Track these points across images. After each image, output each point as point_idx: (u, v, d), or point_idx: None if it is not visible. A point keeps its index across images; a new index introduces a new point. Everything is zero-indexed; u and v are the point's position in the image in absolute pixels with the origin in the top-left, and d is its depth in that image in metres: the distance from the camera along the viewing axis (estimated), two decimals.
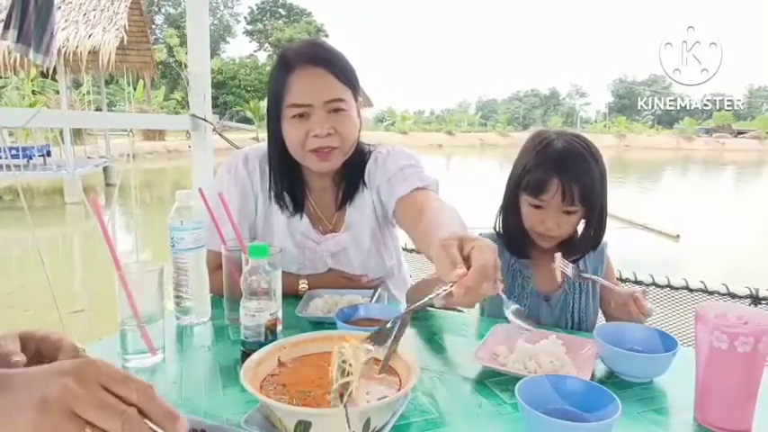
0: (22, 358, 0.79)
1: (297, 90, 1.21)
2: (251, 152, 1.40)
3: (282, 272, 1.16)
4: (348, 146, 1.28)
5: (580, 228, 1.32)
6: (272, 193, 1.36)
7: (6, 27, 3.20)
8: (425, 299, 0.81)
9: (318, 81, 1.21)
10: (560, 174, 1.20)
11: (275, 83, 1.25)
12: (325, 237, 1.37)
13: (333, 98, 1.22)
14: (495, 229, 1.39)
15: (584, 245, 1.32)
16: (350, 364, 0.68)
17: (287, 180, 1.35)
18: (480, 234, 1.42)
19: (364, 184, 1.38)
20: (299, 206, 1.37)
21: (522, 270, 1.34)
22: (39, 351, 0.83)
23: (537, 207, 1.25)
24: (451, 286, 0.76)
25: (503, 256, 1.37)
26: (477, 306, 1.44)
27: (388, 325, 0.79)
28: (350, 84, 1.25)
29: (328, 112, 1.22)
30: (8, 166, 6.56)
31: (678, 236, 7.13)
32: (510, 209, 1.31)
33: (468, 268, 0.75)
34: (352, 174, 1.37)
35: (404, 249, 2.08)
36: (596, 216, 1.27)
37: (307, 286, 1.34)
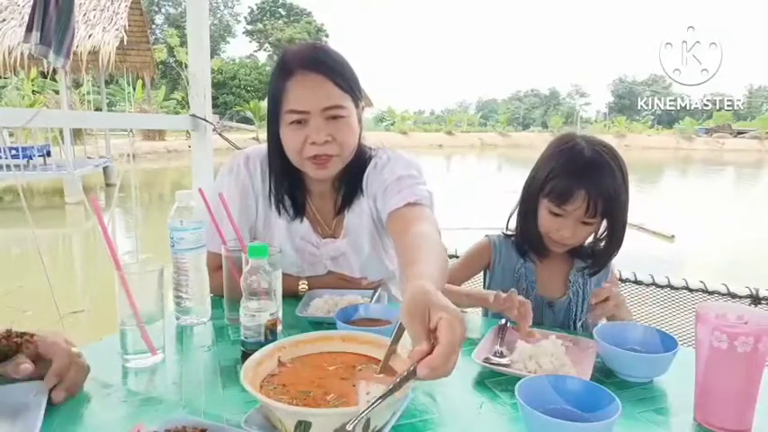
0: (31, 365, 0.80)
1: (295, 96, 1.19)
2: (252, 153, 1.39)
3: (282, 273, 1.16)
4: (347, 153, 1.26)
5: (591, 238, 1.31)
6: (272, 198, 1.35)
7: (29, 29, 3.18)
8: (386, 390, 0.67)
9: (317, 87, 1.19)
10: (587, 186, 1.18)
11: (274, 87, 1.23)
12: (324, 241, 1.37)
13: (331, 105, 1.19)
14: (504, 230, 1.38)
15: (604, 259, 1.31)
16: None
17: (287, 183, 1.34)
18: (487, 236, 1.42)
19: (361, 191, 1.36)
20: (299, 210, 1.36)
21: (527, 275, 1.34)
22: (38, 352, 0.83)
23: (556, 215, 1.23)
24: (413, 366, 0.67)
25: (510, 258, 1.37)
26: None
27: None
28: (350, 90, 1.23)
29: (326, 119, 1.20)
30: (8, 166, 6.57)
31: (673, 236, 7.15)
32: (528, 211, 1.30)
33: (434, 341, 0.68)
34: (351, 179, 1.35)
35: None
36: (618, 231, 1.26)
37: (306, 287, 1.34)
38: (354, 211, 1.37)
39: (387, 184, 1.28)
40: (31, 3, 3.15)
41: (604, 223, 1.28)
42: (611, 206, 1.20)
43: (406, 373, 0.68)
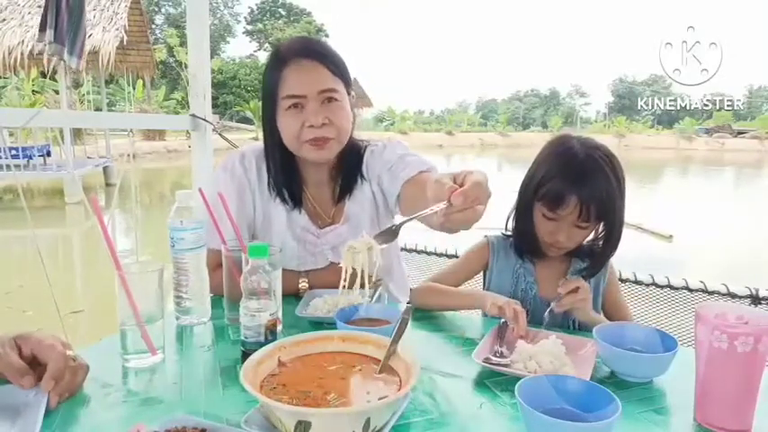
0: (33, 376, 0.80)
1: (291, 82, 1.25)
2: (247, 150, 1.42)
3: (282, 270, 1.17)
4: (343, 136, 1.30)
5: (591, 236, 1.31)
6: (272, 189, 1.38)
7: (43, 29, 3.20)
8: (423, 211, 0.83)
9: (311, 72, 1.25)
10: (579, 191, 1.17)
11: (269, 78, 1.28)
12: (324, 230, 1.39)
13: (326, 88, 1.25)
14: (504, 230, 1.38)
15: (601, 260, 1.30)
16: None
17: (284, 175, 1.37)
18: (486, 236, 1.42)
19: (363, 176, 1.40)
20: (297, 201, 1.38)
21: (526, 275, 1.34)
22: (34, 354, 0.83)
23: (550, 219, 1.23)
24: (448, 203, 0.80)
25: (509, 258, 1.37)
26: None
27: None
28: (342, 76, 1.29)
29: (322, 102, 1.25)
30: (8, 166, 6.57)
31: (671, 236, 7.12)
32: (523, 213, 1.30)
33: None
34: (349, 167, 1.39)
35: (403, 249, 2.08)
36: (614, 232, 1.25)
37: (307, 285, 1.34)
38: (355, 198, 1.40)
39: (392, 163, 1.33)
40: (44, 2, 3.16)
41: (602, 224, 1.27)
42: (604, 210, 1.19)
43: (439, 206, 0.80)
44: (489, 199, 0.83)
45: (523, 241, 1.32)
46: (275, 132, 1.31)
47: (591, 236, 1.30)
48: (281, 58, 1.27)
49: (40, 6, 10.02)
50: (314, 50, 1.27)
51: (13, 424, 0.74)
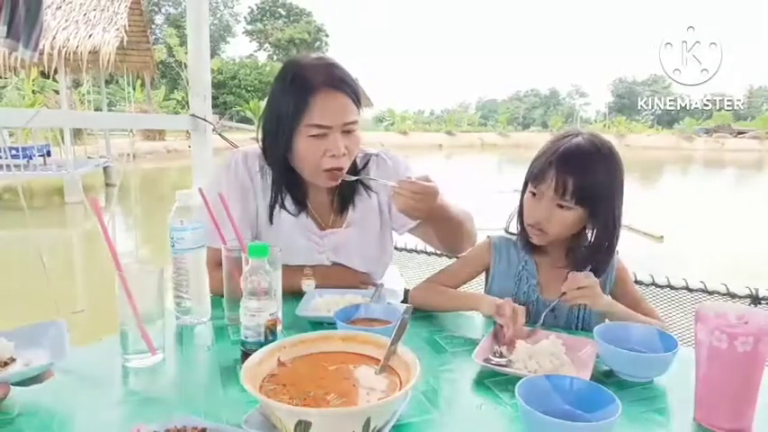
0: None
1: (320, 112, 1.26)
2: (250, 151, 1.43)
3: (286, 266, 1.18)
4: (351, 162, 1.36)
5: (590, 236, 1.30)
6: (275, 201, 1.39)
7: None
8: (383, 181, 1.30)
9: (339, 104, 1.28)
10: (558, 165, 1.18)
11: (292, 101, 1.27)
12: (324, 232, 1.42)
13: (350, 121, 1.29)
14: (505, 229, 1.38)
15: (594, 254, 1.29)
16: None
17: (289, 190, 1.40)
18: (488, 236, 1.43)
19: (368, 188, 1.45)
20: (300, 206, 1.41)
21: (528, 278, 1.34)
22: None
23: (533, 195, 1.24)
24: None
25: (512, 259, 1.36)
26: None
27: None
28: (359, 104, 1.33)
29: (342, 132, 1.29)
30: (8, 166, 6.57)
31: (662, 237, 7.07)
32: (521, 201, 1.30)
33: None
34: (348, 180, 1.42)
35: (403, 249, 2.08)
36: (604, 224, 1.24)
37: (312, 281, 1.35)
38: (358, 208, 1.44)
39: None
40: None
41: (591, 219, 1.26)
42: (586, 192, 1.17)
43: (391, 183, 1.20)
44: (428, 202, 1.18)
45: (520, 232, 1.33)
46: (288, 151, 1.31)
47: (589, 235, 1.30)
48: (307, 85, 1.26)
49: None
50: (343, 81, 1.29)
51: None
